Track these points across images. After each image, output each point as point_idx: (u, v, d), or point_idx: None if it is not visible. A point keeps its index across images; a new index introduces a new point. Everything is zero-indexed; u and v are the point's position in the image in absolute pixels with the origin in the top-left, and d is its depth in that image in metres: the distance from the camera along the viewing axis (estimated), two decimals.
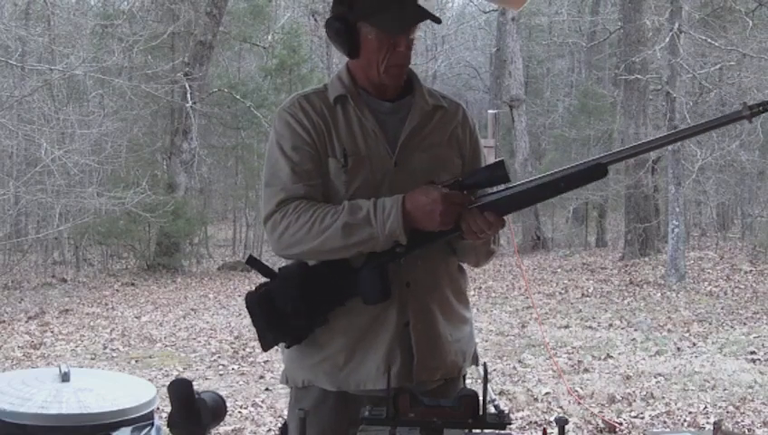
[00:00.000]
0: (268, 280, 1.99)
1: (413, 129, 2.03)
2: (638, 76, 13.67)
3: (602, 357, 7.37)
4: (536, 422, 5.42)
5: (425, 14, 1.99)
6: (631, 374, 6.72)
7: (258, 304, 1.97)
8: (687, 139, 2.19)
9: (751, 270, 12.24)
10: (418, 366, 1.98)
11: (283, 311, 1.94)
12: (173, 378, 2.84)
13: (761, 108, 1.76)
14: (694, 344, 7.87)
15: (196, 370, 7.24)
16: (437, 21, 2.04)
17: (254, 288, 1.99)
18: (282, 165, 1.99)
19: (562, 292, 11.44)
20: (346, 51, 2.02)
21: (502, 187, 1.93)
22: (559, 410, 5.73)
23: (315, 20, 19.39)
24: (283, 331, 1.97)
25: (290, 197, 1.96)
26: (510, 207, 1.91)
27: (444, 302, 2.05)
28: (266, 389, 6.43)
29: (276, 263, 2.15)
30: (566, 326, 9.00)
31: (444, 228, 1.90)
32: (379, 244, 1.91)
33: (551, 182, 1.91)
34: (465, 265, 2.16)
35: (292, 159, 1.98)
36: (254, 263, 2.00)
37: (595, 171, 1.88)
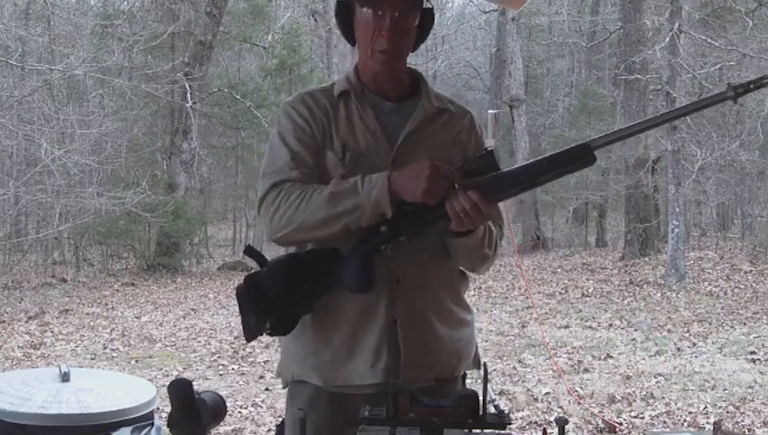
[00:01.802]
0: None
1: (414, 128, 2.03)
2: (638, 76, 13.67)
3: (602, 357, 7.37)
4: (536, 422, 5.42)
5: None
6: (631, 374, 6.72)
7: (246, 290, 1.98)
8: (677, 119, 2.17)
9: (751, 270, 12.24)
10: (405, 364, 1.98)
11: (266, 294, 1.94)
12: (173, 378, 2.84)
13: (743, 88, 1.75)
14: (694, 344, 7.87)
15: (196, 370, 7.24)
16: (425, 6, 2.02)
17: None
18: (282, 153, 2.01)
19: (562, 292, 11.44)
20: (344, 34, 2.05)
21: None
22: (559, 410, 5.73)
23: (315, 20, 19.39)
24: (265, 314, 1.95)
25: (284, 180, 1.98)
26: (494, 188, 1.87)
27: (437, 302, 2.04)
28: (266, 389, 6.43)
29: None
30: (566, 326, 9.00)
31: (428, 200, 1.86)
32: (365, 215, 1.89)
33: (535, 162, 1.89)
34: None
35: (292, 148, 2.01)
36: (251, 252, 2.01)
37: (580, 152, 1.85)
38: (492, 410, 1.69)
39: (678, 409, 5.70)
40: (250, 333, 2.00)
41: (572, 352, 7.63)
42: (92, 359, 7.71)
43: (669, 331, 8.55)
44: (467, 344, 2.12)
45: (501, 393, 6.08)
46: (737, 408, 5.68)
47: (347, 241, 1.95)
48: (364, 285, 1.93)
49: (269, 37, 18.52)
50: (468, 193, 1.85)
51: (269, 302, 1.95)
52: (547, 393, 6.14)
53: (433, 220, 1.92)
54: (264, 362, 7.26)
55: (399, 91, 2.07)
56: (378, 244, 1.93)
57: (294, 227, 1.94)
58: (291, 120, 2.04)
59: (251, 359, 7.47)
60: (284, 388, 2.14)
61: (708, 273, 12.36)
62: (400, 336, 1.99)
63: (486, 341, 8.15)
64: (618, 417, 5.51)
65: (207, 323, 9.49)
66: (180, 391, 1.75)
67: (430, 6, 2.05)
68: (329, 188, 1.92)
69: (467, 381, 2.16)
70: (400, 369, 1.97)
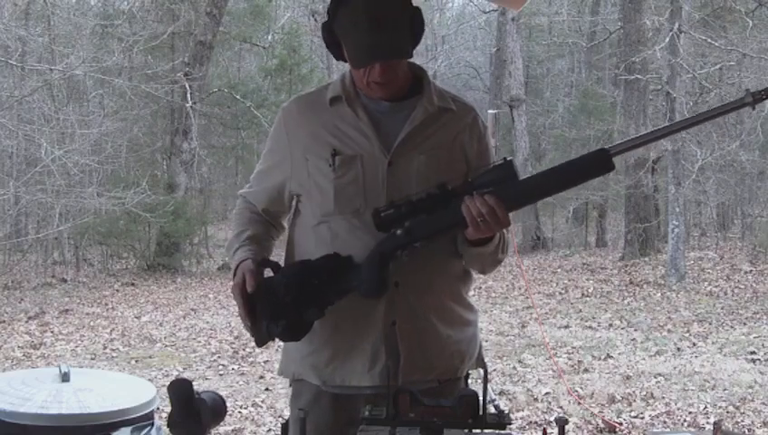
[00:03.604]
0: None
1: (413, 129, 2.00)
2: (638, 76, 13.67)
3: (602, 357, 7.37)
4: (536, 422, 5.42)
5: (394, 55, 1.93)
6: (631, 374, 6.72)
7: (257, 294, 1.98)
8: (694, 126, 2.14)
9: (751, 270, 12.23)
10: (405, 365, 1.98)
11: (279, 299, 1.93)
12: (173, 378, 2.85)
13: (764, 94, 1.73)
14: (694, 344, 7.87)
15: (196, 370, 7.24)
16: (409, 57, 1.99)
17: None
18: (261, 164, 2.19)
19: (562, 292, 11.44)
20: (334, 54, 2.03)
21: None
22: (559, 410, 5.73)
23: (315, 20, 19.38)
24: (276, 319, 1.94)
25: (247, 193, 2.21)
26: (512, 194, 1.85)
27: (438, 303, 2.03)
28: (266, 389, 6.43)
29: None
30: (566, 326, 9.00)
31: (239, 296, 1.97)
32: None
33: (552, 170, 1.87)
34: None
35: (266, 162, 2.15)
36: (267, 264, 2.01)
37: (599, 158, 1.82)
38: (492, 410, 1.69)
39: (678, 409, 5.70)
40: (260, 339, 1.99)
41: (572, 352, 7.63)
42: (92, 359, 7.71)
43: (669, 331, 8.55)
44: (470, 344, 2.11)
45: (501, 393, 6.08)
46: (737, 408, 5.68)
47: (360, 248, 1.93)
48: (378, 291, 1.91)
49: (269, 37, 18.53)
50: (485, 197, 1.83)
51: (281, 307, 1.94)
52: (547, 393, 6.14)
53: (449, 225, 1.90)
54: (264, 362, 7.26)
55: (398, 92, 2.02)
56: (393, 248, 1.91)
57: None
58: (277, 127, 2.11)
59: (251, 359, 7.47)
60: (290, 386, 2.15)
61: (708, 273, 12.36)
62: (399, 338, 1.98)
63: (486, 341, 8.14)
64: (618, 417, 5.51)
65: (207, 323, 9.50)
66: (180, 391, 1.75)
67: (415, 6, 1.99)
68: (231, 233, 2.17)
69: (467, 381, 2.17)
70: (399, 371, 1.97)
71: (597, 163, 1.83)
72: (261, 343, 2.01)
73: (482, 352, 2.18)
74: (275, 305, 1.94)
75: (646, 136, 1.89)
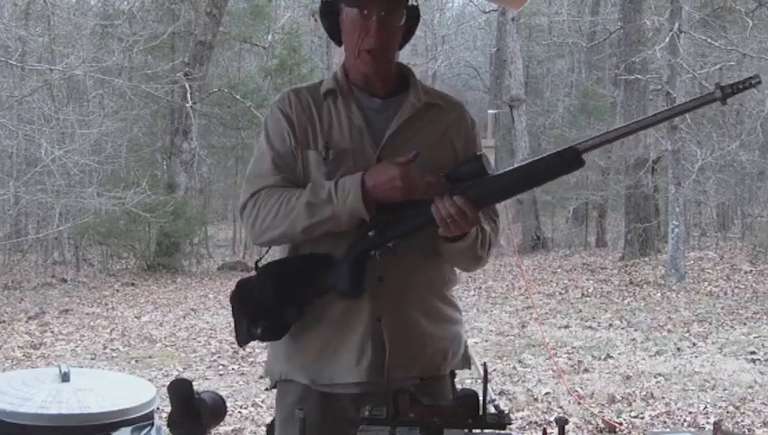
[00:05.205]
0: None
1: (401, 125, 2.02)
2: (638, 76, 13.67)
3: (602, 357, 7.37)
4: (536, 422, 5.42)
5: None
6: (631, 374, 6.72)
7: (237, 295, 2.00)
8: (667, 121, 2.11)
9: (751, 270, 12.23)
10: (390, 361, 1.98)
11: (257, 300, 1.96)
12: (173, 378, 2.85)
13: (732, 89, 1.70)
14: (694, 344, 7.87)
15: (196, 370, 7.24)
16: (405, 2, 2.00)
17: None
18: (265, 157, 2.05)
19: (562, 292, 11.44)
20: (330, 34, 2.05)
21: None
22: (559, 410, 5.73)
23: (315, 20, 19.38)
24: (255, 320, 1.96)
25: (265, 186, 2.01)
26: (480, 192, 1.86)
27: (422, 300, 2.04)
28: (266, 389, 6.43)
29: None
30: (566, 326, 9.00)
31: (411, 197, 1.88)
32: (342, 222, 1.92)
33: (521, 167, 1.87)
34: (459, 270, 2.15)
35: (275, 151, 2.04)
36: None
37: (567, 156, 1.81)
38: (492, 410, 1.70)
39: (678, 409, 5.70)
40: (242, 338, 2.03)
41: (572, 352, 7.63)
42: (92, 359, 7.71)
43: (669, 331, 8.55)
44: (453, 342, 2.11)
45: (501, 393, 6.07)
46: (737, 408, 5.68)
47: (335, 246, 1.96)
48: (354, 291, 1.94)
49: (269, 37, 18.53)
50: (454, 198, 1.84)
51: (259, 308, 1.96)
52: (547, 393, 6.14)
53: (420, 225, 1.91)
54: (264, 362, 7.23)
55: (388, 87, 2.06)
56: (366, 249, 1.93)
57: (276, 235, 1.99)
58: (276, 120, 2.06)
59: (251, 359, 7.47)
60: (272, 387, 2.14)
61: (708, 273, 12.36)
62: (385, 334, 1.99)
63: (486, 341, 8.15)
64: (618, 417, 5.51)
65: (207, 323, 9.49)
66: (180, 391, 1.76)
67: (415, 4, 2.03)
68: (305, 197, 1.95)
69: (467, 381, 2.17)
70: (385, 366, 1.97)
71: (566, 161, 1.82)
72: (242, 342, 2.04)
73: (468, 351, 2.17)
74: (255, 307, 1.96)
75: (615, 131, 1.84)
